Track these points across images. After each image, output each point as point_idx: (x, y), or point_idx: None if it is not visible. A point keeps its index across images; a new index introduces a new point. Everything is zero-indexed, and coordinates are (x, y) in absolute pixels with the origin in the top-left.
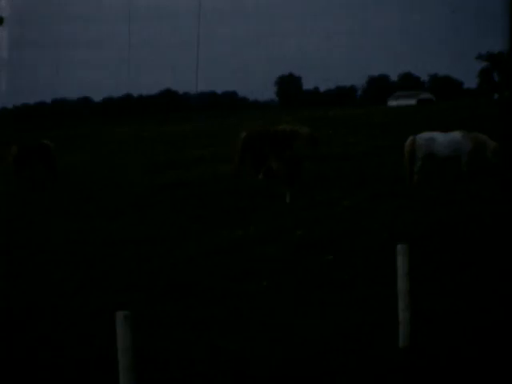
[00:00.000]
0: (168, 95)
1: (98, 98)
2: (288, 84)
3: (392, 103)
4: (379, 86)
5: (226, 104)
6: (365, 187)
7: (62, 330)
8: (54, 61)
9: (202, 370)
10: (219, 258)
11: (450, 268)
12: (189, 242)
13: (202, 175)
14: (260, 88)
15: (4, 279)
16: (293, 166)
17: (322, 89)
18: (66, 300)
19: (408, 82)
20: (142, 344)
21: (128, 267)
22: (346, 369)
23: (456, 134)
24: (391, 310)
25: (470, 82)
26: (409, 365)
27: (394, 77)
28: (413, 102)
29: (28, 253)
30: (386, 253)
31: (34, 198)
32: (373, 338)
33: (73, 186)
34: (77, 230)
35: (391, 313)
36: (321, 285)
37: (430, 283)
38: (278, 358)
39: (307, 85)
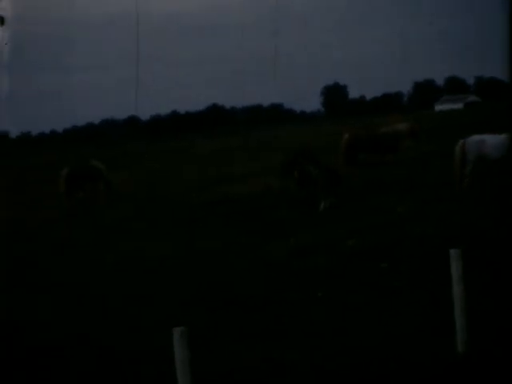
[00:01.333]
0: (214, 110)
1: (145, 116)
2: (334, 93)
3: (439, 108)
4: (425, 91)
5: (273, 117)
6: (414, 193)
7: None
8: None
9: (248, 379)
10: (271, 269)
11: (504, 272)
12: (240, 256)
13: (251, 189)
14: (306, 99)
15: (64, 296)
16: (332, 175)
17: (368, 97)
18: (120, 316)
19: (454, 85)
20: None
21: (177, 282)
22: (400, 375)
23: (506, 136)
24: (447, 314)
25: None
26: (468, 371)
27: (439, 81)
28: (460, 105)
29: (84, 271)
30: (440, 257)
31: (86, 218)
32: (428, 343)
33: (124, 204)
34: (128, 247)
35: (447, 318)
36: (372, 291)
37: (485, 287)
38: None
39: (353, 93)
